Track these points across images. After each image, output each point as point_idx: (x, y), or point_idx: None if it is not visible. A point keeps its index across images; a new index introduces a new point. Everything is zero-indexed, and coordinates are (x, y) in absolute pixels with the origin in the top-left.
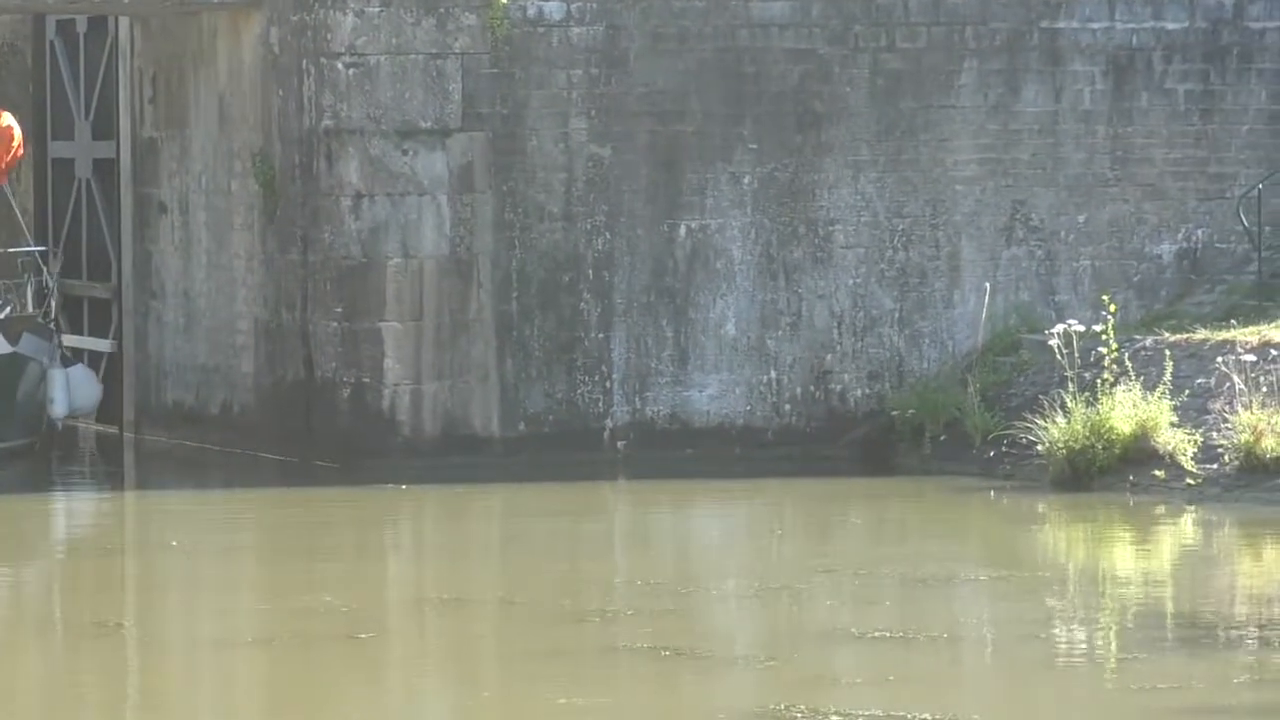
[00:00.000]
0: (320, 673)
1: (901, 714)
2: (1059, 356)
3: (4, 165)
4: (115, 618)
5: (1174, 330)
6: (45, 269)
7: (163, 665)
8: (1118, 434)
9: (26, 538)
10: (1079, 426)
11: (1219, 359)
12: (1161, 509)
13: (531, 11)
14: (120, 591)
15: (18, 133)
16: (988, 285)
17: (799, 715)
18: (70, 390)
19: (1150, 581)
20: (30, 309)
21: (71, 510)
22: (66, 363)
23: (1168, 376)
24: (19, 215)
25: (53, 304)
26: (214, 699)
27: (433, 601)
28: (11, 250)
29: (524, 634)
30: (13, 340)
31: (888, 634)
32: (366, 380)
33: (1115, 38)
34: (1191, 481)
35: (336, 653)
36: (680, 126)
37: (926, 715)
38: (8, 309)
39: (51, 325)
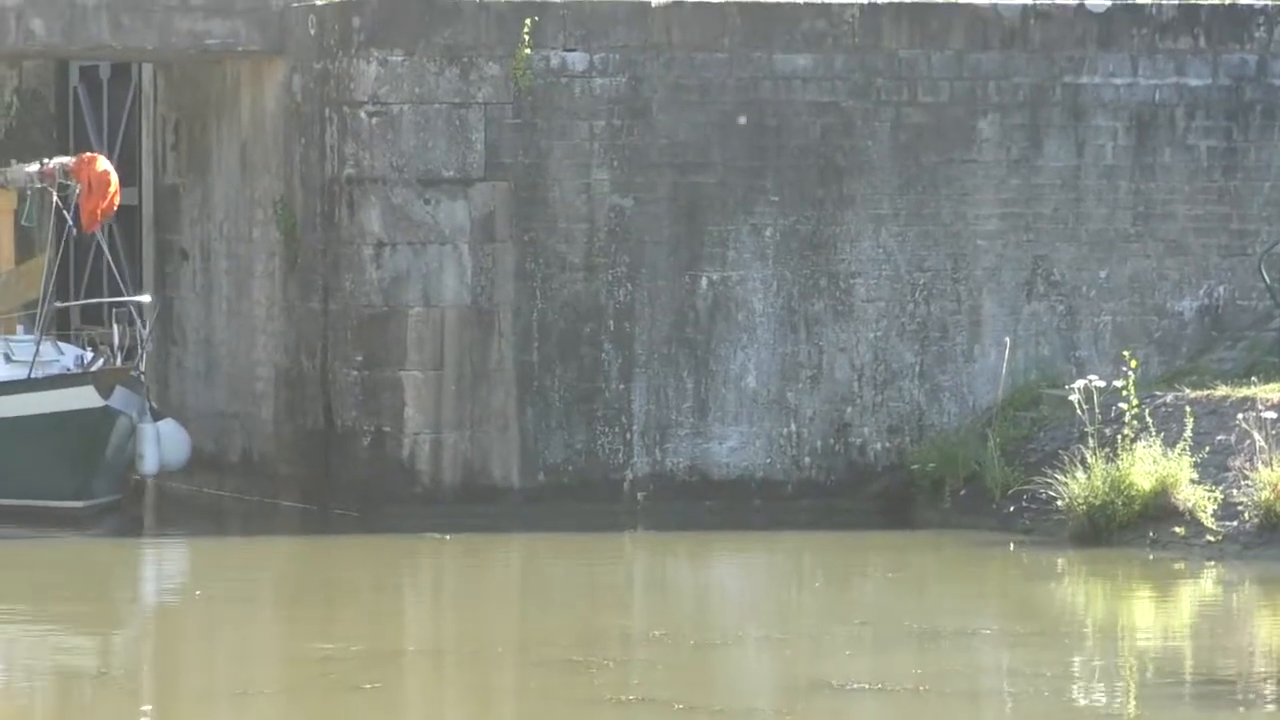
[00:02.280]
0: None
1: None
2: (1079, 412)
3: (100, 212)
4: (128, 667)
5: (1195, 386)
6: (139, 320)
7: (172, 716)
8: (1138, 490)
9: (44, 586)
10: (1099, 482)
11: (1240, 416)
12: (1181, 565)
13: (554, 62)
14: (137, 640)
15: (114, 179)
16: (1008, 340)
17: None
18: (161, 446)
19: (1168, 638)
20: (121, 361)
21: (90, 558)
22: (155, 417)
23: (1188, 433)
24: (113, 264)
25: (144, 356)
26: None
27: (448, 651)
28: (110, 300)
29: (538, 685)
30: (105, 394)
31: (904, 687)
32: (386, 429)
33: (1138, 94)
34: (1211, 538)
35: (345, 703)
36: (702, 178)
37: None
38: (100, 361)
39: (142, 378)
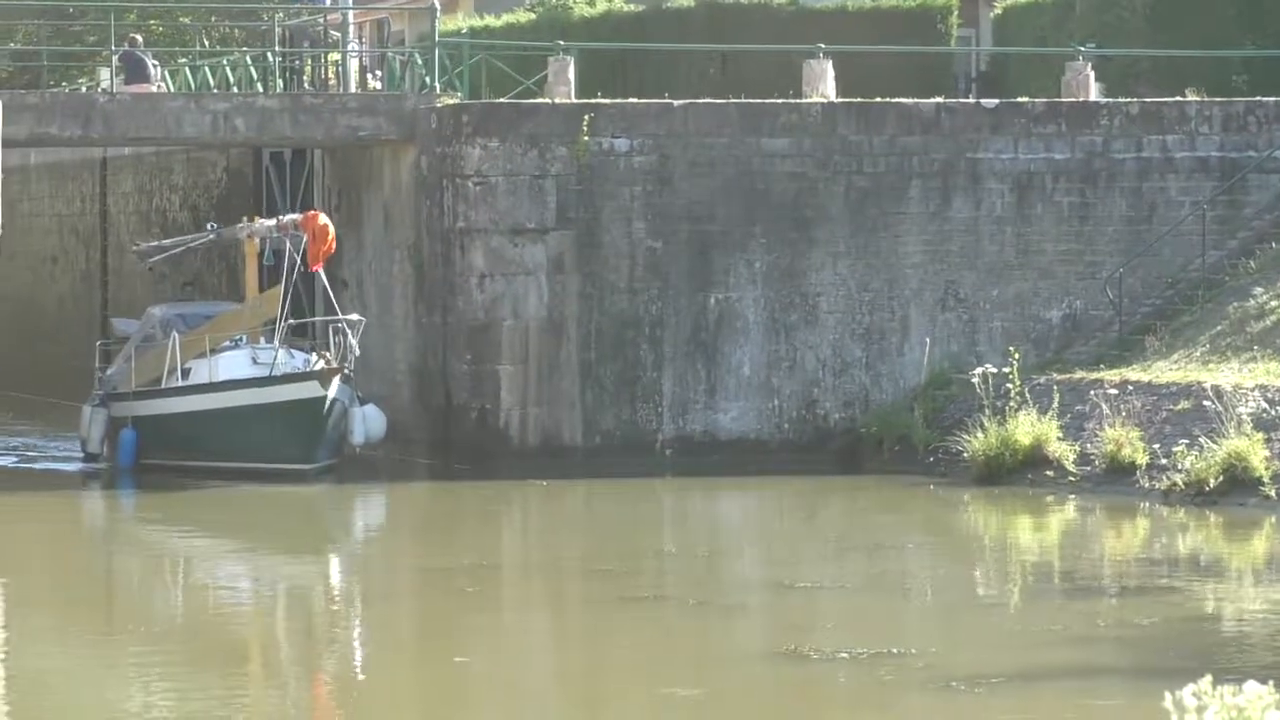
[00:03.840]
0: (444, 612)
1: (883, 650)
2: (979, 390)
3: (322, 255)
4: (327, 576)
5: (1060, 372)
6: (349, 334)
7: (350, 611)
8: (1020, 445)
9: (278, 522)
10: (993, 440)
11: (1091, 392)
12: (1051, 498)
13: (605, 145)
14: (333, 558)
15: (332, 230)
16: (928, 340)
17: (811, 654)
18: (365, 424)
19: (1042, 548)
20: (336, 363)
21: (308, 503)
22: (362, 403)
23: (1055, 404)
24: (330, 294)
25: (353, 359)
26: (375, 627)
27: (529, 564)
28: (328, 319)
29: (591, 587)
30: (324, 386)
31: (847, 586)
32: (488, 406)
33: (1019, 164)
34: (1072, 479)
35: (453, 601)
36: (710, 226)
37: (895, 649)
38: (320, 363)
39: (352, 374)
